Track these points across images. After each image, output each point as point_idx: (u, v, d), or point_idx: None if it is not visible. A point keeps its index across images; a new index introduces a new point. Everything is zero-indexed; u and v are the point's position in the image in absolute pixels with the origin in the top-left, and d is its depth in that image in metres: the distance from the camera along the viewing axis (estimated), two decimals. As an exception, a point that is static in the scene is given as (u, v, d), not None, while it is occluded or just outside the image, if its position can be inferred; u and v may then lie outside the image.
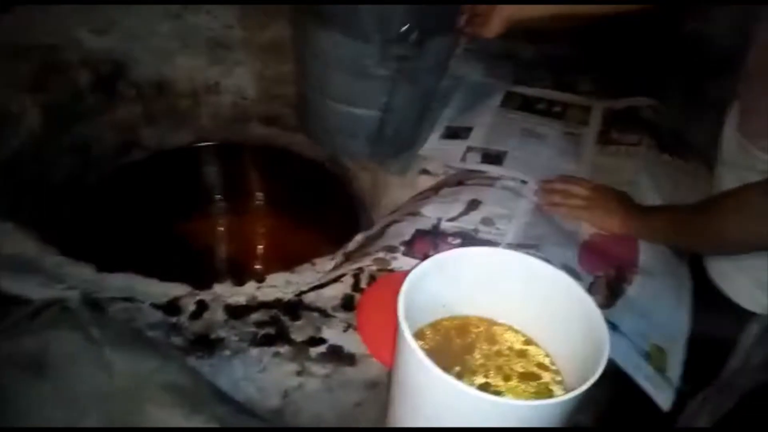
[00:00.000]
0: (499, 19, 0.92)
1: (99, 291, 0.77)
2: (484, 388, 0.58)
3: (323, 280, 0.81)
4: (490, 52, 1.09)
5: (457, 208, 0.89)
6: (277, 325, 0.74)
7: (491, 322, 0.64)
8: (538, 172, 0.96)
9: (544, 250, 0.80)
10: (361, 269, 0.81)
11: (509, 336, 0.63)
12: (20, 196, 1.03)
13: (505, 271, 0.62)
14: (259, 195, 1.28)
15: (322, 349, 0.71)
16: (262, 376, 0.68)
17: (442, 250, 0.80)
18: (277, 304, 0.77)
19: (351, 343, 0.72)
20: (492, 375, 0.59)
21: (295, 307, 0.76)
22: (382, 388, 0.67)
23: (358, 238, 0.91)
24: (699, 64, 1.10)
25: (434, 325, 0.63)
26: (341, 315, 0.76)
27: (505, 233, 0.84)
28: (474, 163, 1.01)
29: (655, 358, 0.73)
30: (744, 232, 0.69)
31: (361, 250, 0.87)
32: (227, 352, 0.70)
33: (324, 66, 0.93)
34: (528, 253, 0.77)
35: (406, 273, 0.61)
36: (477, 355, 0.61)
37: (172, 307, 0.75)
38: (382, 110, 0.93)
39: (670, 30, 1.13)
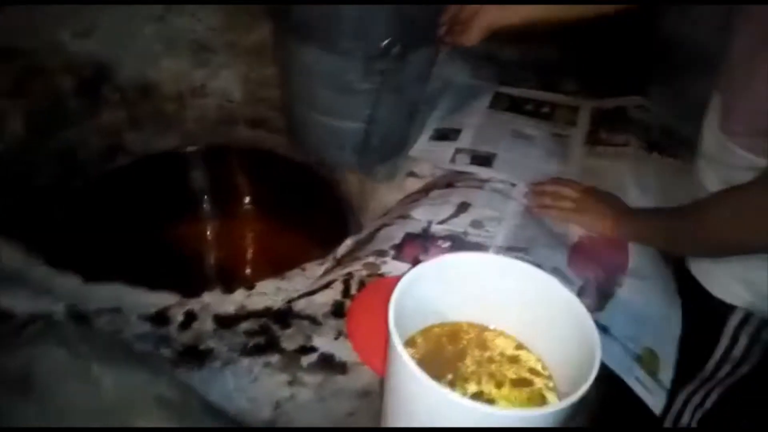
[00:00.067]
0: (478, 27, 0.92)
1: (85, 302, 0.76)
2: (477, 396, 0.58)
3: (313, 287, 0.80)
4: (475, 54, 1.08)
5: (447, 210, 0.89)
6: (267, 334, 0.73)
7: (482, 328, 0.64)
8: (527, 173, 0.96)
9: (534, 253, 0.80)
10: (351, 275, 0.81)
11: (500, 341, 0.63)
12: (4, 203, 1.01)
13: (495, 276, 0.62)
14: (247, 198, 1.27)
15: (313, 358, 0.71)
16: (253, 387, 0.68)
17: (432, 254, 0.82)
18: (266, 312, 0.76)
19: (342, 351, 0.72)
20: (484, 382, 0.59)
21: (285, 316, 0.76)
22: (375, 397, 0.67)
23: (348, 242, 0.91)
24: (682, 61, 1.11)
25: (425, 332, 0.63)
26: (332, 322, 0.75)
27: (494, 236, 0.84)
28: (463, 164, 1.01)
29: (647, 361, 0.73)
30: (734, 234, 0.70)
31: (351, 255, 0.87)
32: (217, 363, 0.70)
33: (307, 81, 0.93)
34: (517, 257, 0.77)
35: (395, 278, 0.61)
36: (469, 361, 0.61)
37: (160, 317, 0.74)
38: (367, 122, 0.93)
39: (650, 29, 1.13)
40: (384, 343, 0.55)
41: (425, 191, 0.96)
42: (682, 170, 0.99)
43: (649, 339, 0.75)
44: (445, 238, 0.84)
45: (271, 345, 0.72)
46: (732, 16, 0.72)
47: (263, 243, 1.28)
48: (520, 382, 0.59)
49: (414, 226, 0.87)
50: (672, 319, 0.81)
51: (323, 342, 0.73)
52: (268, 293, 0.80)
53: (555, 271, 0.77)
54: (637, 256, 0.84)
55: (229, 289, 0.81)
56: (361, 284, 0.80)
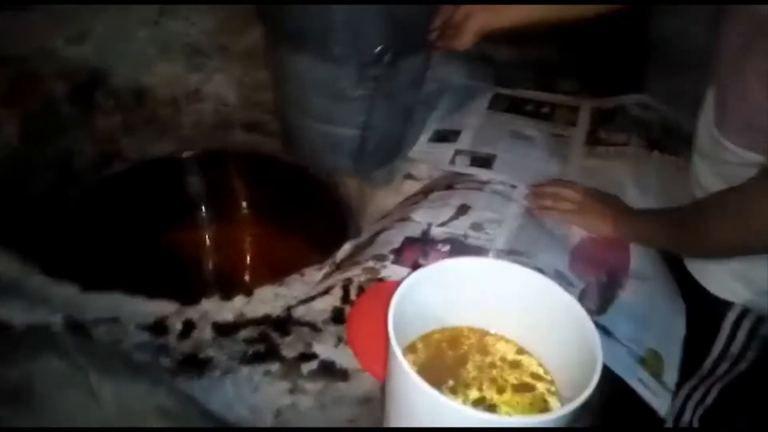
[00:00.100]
0: (470, 31, 0.91)
1: (83, 312, 0.75)
2: (479, 402, 0.58)
3: (312, 293, 0.80)
4: (472, 55, 1.08)
5: (447, 213, 0.88)
6: (266, 342, 0.73)
7: (483, 333, 0.63)
8: (527, 175, 0.95)
9: (535, 256, 0.80)
10: (350, 280, 0.80)
11: (501, 346, 0.63)
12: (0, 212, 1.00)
13: (495, 280, 0.61)
14: (244, 203, 1.27)
15: (313, 365, 0.71)
16: (253, 395, 0.67)
17: (432, 257, 0.81)
18: (266, 320, 0.76)
19: (343, 357, 0.71)
20: (486, 387, 0.59)
21: (284, 323, 0.75)
22: (376, 404, 0.67)
23: (347, 246, 0.91)
24: (679, 58, 1.10)
25: (425, 338, 0.62)
26: (332, 328, 0.75)
27: (494, 238, 0.83)
28: (463, 166, 1.00)
29: (651, 363, 0.73)
30: (734, 236, 0.70)
31: (351, 260, 0.86)
32: (217, 372, 0.69)
33: (301, 88, 0.93)
34: (518, 260, 0.77)
35: (395, 283, 0.60)
36: (470, 367, 0.60)
37: (158, 327, 0.74)
38: (362, 128, 0.94)
39: (646, 27, 1.13)
40: (384, 349, 0.55)
41: (425, 193, 0.96)
42: (682, 168, 0.98)
43: (652, 341, 0.75)
44: (444, 241, 0.84)
45: (271, 353, 0.72)
46: (721, 13, 0.72)
47: (262, 247, 1.27)
48: (522, 387, 0.59)
49: (413, 230, 0.86)
50: (675, 320, 0.81)
51: (323, 349, 0.72)
52: (267, 300, 0.80)
53: (557, 274, 0.77)
54: (638, 257, 0.84)
55: (228, 295, 0.81)
56: (361, 289, 0.80)
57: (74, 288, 0.81)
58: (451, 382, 0.59)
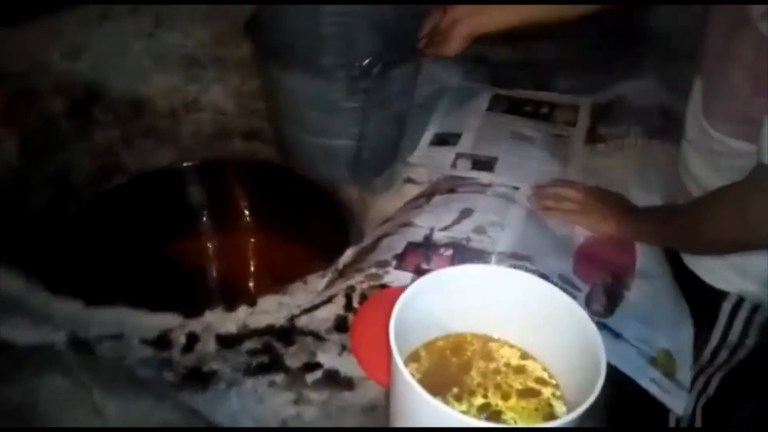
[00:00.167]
0: (459, 36, 0.91)
1: (87, 327, 0.76)
2: (484, 408, 0.57)
3: (315, 302, 0.80)
4: (468, 56, 1.08)
5: (449, 217, 0.88)
6: (270, 352, 0.73)
7: (486, 339, 0.63)
8: (529, 177, 0.95)
9: (538, 259, 0.79)
10: (353, 287, 0.80)
11: (505, 352, 0.62)
12: (1, 229, 1.01)
13: (497, 287, 0.61)
14: (246, 211, 1.27)
15: (317, 374, 0.70)
16: (258, 407, 0.67)
17: (434, 262, 0.81)
18: (269, 330, 0.76)
19: (347, 366, 0.71)
20: (491, 394, 0.58)
21: (287, 333, 0.75)
22: (381, 412, 0.66)
23: (349, 252, 0.90)
24: (673, 47, 1.10)
25: (429, 346, 0.62)
26: (335, 337, 0.75)
27: (497, 242, 0.83)
28: (464, 169, 1.00)
29: (663, 362, 0.72)
30: (734, 233, 0.69)
31: (353, 266, 0.86)
32: (222, 385, 0.69)
33: (293, 103, 0.94)
34: (521, 264, 0.77)
35: (397, 289, 0.60)
36: (474, 373, 0.60)
37: (162, 341, 0.74)
38: (357, 139, 0.94)
39: (640, 18, 1.13)
40: (388, 356, 0.54)
41: (426, 197, 0.96)
42: None
43: (662, 340, 0.75)
44: (447, 245, 0.84)
45: (275, 363, 0.72)
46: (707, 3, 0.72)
47: (264, 255, 1.27)
48: (527, 393, 0.59)
49: (416, 235, 0.86)
50: (683, 318, 0.81)
51: (327, 358, 0.72)
52: (270, 310, 0.80)
53: (561, 278, 0.77)
54: (643, 256, 0.84)
55: (231, 303, 0.81)
56: (364, 297, 0.79)
57: (77, 303, 0.81)
58: (455, 390, 0.59)
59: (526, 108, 1.13)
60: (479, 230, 0.85)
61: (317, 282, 0.85)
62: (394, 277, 0.80)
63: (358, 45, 1.00)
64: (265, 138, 1.18)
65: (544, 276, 0.72)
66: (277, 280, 0.90)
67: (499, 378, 0.60)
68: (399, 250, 0.84)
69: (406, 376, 0.51)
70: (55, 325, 0.76)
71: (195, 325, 0.76)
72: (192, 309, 0.80)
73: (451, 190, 0.94)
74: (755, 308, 0.79)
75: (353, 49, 1.00)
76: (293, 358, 0.72)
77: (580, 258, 0.82)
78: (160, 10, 1.18)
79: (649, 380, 0.70)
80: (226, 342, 0.74)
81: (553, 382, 0.60)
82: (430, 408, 0.50)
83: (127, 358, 0.71)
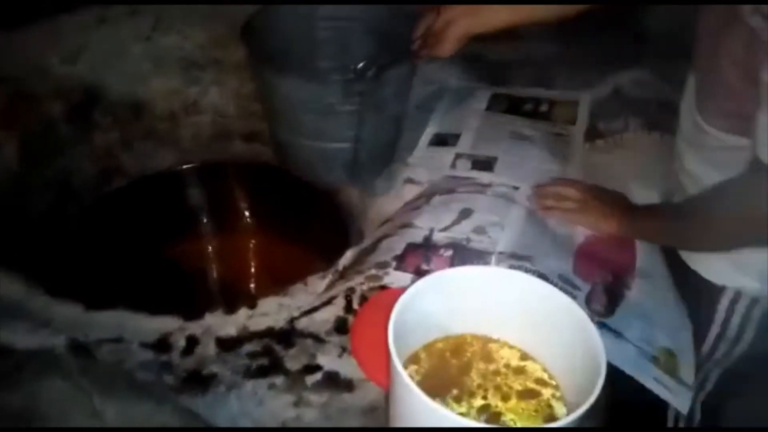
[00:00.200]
0: (452, 38, 0.91)
1: (87, 332, 0.76)
2: (484, 410, 0.57)
3: (315, 304, 0.80)
4: (466, 55, 1.07)
5: (449, 217, 0.88)
6: (270, 355, 0.73)
7: (486, 340, 0.63)
8: (528, 176, 0.95)
9: (538, 259, 0.79)
10: (352, 289, 0.80)
11: (505, 353, 0.62)
12: (1, 234, 1.01)
13: (496, 288, 0.61)
14: (246, 213, 1.27)
15: (317, 377, 0.70)
16: (258, 410, 0.67)
17: (434, 263, 0.81)
18: (269, 332, 0.76)
19: (347, 368, 0.71)
20: (491, 395, 0.58)
21: (287, 335, 0.75)
22: (381, 413, 0.66)
23: (349, 254, 0.90)
24: (669, 40, 1.09)
25: (428, 347, 0.62)
26: (335, 339, 0.75)
27: (497, 242, 0.83)
28: (464, 170, 1.00)
29: (665, 361, 0.72)
30: (735, 229, 0.69)
31: (353, 268, 0.86)
32: (221, 388, 0.69)
33: (289, 108, 0.95)
34: (521, 264, 0.77)
35: (397, 290, 0.60)
36: (474, 375, 0.60)
37: (161, 344, 0.74)
38: (353, 141, 0.94)
39: (631, 22, 1.13)
40: (388, 357, 0.54)
41: (426, 197, 0.95)
42: None
43: (664, 339, 0.75)
44: (447, 246, 0.84)
45: (274, 366, 0.71)
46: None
47: (265, 256, 1.27)
48: (527, 394, 0.58)
49: (415, 236, 0.86)
50: (684, 316, 0.80)
51: (327, 360, 0.72)
52: (270, 312, 0.79)
53: (561, 278, 0.76)
54: (643, 255, 0.83)
55: (232, 305, 0.81)
56: (363, 298, 0.79)
57: (78, 307, 0.81)
58: (455, 391, 0.58)
59: (525, 106, 1.12)
60: (479, 230, 0.85)
61: (317, 284, 0.85)
62: (394, 278, 0.80)
63: (353, 48, 1.01)
64: (265, 140, 1.18)
65: (543, 276, 0.72)
66: (277, 281, 0.90)
67: (498, 379, 0.60)
68: (399, 251, 0.83)
69: (405, 379, 0.50)
70: (55, 329, 0.76)
71: (194, 327, 0.76)
72: (192, 311, 0.80)
73: (451, 191, 0.94)
74: (753, 303, 0.79)
75: (348, 52, 1.00)
76: (293, 361, 0.72)
77: (580, 257, 0.82)
78: (158, 13, 1.18)
79: (652, 379, 0.70)
80: (226, 345, 0.74)
81: (553, 383, 0.60)
82: (429, 410, 0.50)
83: (126, 361, 0.71)
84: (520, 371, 0.60)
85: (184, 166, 1.21)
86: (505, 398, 0.58)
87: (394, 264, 0.82)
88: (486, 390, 0.59)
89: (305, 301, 0.81)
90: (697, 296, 0.82)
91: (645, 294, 0.79)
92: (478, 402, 0.58)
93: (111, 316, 0.79)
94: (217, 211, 1.26)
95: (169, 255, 1.21)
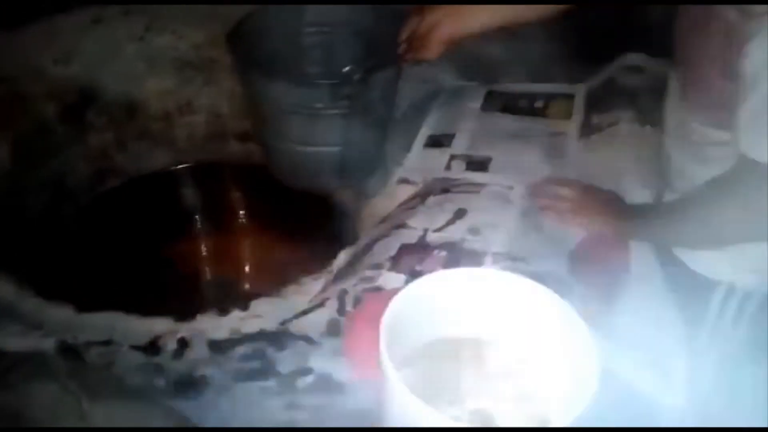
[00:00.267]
0: (438, 40, 0.91)
1: (77, 334, 0.75)
2: (477, 413, 0.57)
3: (308, 306, 0.79)
4: (460, 54, 1.07)
5: (444, 217, 0.87)
6: (262, 358, 0.72)
7: (480, 342, 0.62)
8: (524, 176, 0.94)
9: (533, 261, 0.78)
10: (345, 291, 0.79)
11: (499, 356, 0.61)
12: (-5, 235, 1.00)
13: (490, 290, 0.60)
14: (241, 213, 1.26)
15: (309, 379, 0.69)
16: (250, 413, 0.66)
17: (428, 264, 0.80)
18: (261, 335, 0.75)
19: (339, 370, 0.70)
20: (484, 399, 0.58)
21: (279, 337, 0.74)
22: (373, 417, 0.65)
23: (343, 255, 0.90)
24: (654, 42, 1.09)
25: (422, 350, 0.61)
26: (328, 341, 0.74)
27: (491, 242, 0.82)
28: (459, 171, 0.99)
29: (659, 363, 0.72)
30: (729, 226, 0.69)
31: (347, 269, 0.86)
32: (212, 391, 0.68)
33: (277, 112, 0.95)
34: (516, 265, 0.77)
35: (391, 292, 0.59)
36: (468, 378, 0.59)
37: (152, 347, 0.73)
38: (341, 144, 0.94)
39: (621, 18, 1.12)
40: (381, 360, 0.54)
41: (421, 198, 0.95)
42: None
43: (657, 340, 0.74)
44: (441, 246, 0.83)
45: (266, 369, 0.71)
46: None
47: (259, 256, 1.27)
48: (521, 398, 0.58)
49: (409, 236, 0.85)
50: (678, 317, 0.80)
51: (320, 362, 0.71)
52: (263, 314, 0.79)
53: (556, 279, 0.76)
54: (638, 255, 0.83)
55: (226, 305, 0.80)
56: (357, 300, 0.78)
57: (69, 309, 0.80)
58: (448, 395, 0.58)
59: (520, 104, 1.11)
60: (473, 231, 0.84)
61: (310, 285, 0.84)
62: (388, 279, 0.79)
63: (339, 52, 1.01)
64: (260, 140, 1.17)
65: (538, 276, 0.71)
66: (273, 281, 0.89)
67: (492, 383, 0.59)
68: (393, 252, 0.83)
69: (397, 382, 0.50)
70: (46, 331, 0.75)
71: (186, 329, 0.76)
72: (185, 312, 0.79)
73: (445, 191, 0.93)
74: (746, 297, 0.79)
75: (334, 56, 1.01)
76: (285, 363, 0.71)
77: (575, 258, 0.81)
78: (152, 13, 1.18)
79: (646, 381, 0.69)
80: (218, 347, 0.74)
81: (548, 386, 0.59)
82: (421, 414, 0.49)
83: (116, 364, 0.70)
84: (514, 375, 0.60)
85: (179, 166, 1.21)
86: (499, 402, 0.57)
87: (388, 265, 0.81)
88: (480, 393, 0.58)
89: (298, 303, 0.80)
90: (690, 291, 0.82)
91: (640, 295, 0.79)
92: (472, 405, 0.57)
93: (102, 318, 0.79)
94: (212, 211, 1.25)
95: (163, 255, 1.21)
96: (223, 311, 0.79)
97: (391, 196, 0.99)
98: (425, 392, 0.53)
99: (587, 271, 0.79)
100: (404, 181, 1.00)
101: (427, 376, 0.59)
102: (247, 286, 1.28)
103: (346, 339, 0.74)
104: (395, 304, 0.56)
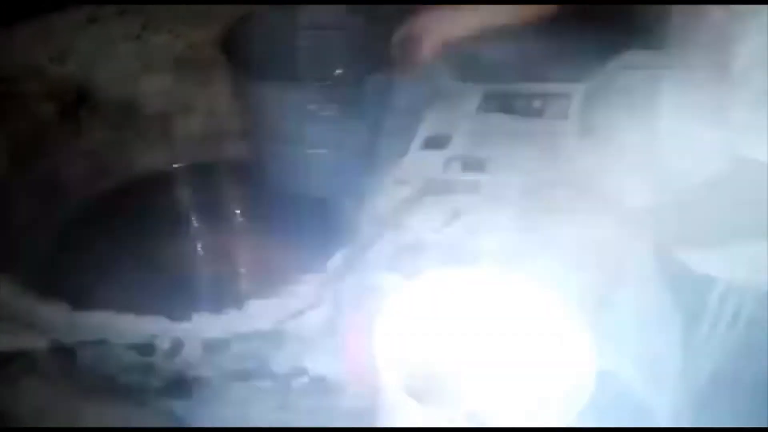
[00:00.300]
0: (430, 44, 0.90)
1: (71, 333, 0.74)
2: (472, 414, 0.56)
3: (304, 306, 0.79)
4: (456, 55, 1.06)
5: (441, 218, 0.87)
6: (257, 357, 0.71)
7: (476, 343, 0.62)
8: (521, 177, 0.93)
9: (529, 262, 0.78)
10: (342, 291, 0.79)
11: (494, 356, 0.61)
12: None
13: (486, 291, 0.60)
14: (237, 212, 1.26)
15: (304, 380, 0.69)
16: (244, 414, 0.66)
17: (425, 264, 0.80)
18: (256, 335, 0.74)
19: (334, 371, 0.70)
20: (479, 401, 0.57)
21: (275, 337, 0.74)
22: (368, 418, 0.65)
23: (339, 256, 0.89)
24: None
25: (417, 351, 0.61)
26: (323, 342, 0.73)
27: (488, 244, 0.82)
28: (456, 172, 0.98)
29: (651, 367, 0.71)
30: (730, 222, 0.69)
31: (344, 269, 0.85)
32: (206, 391, 0.68)
33: (269, 116, 0.96)
34: (512, 267, 0.76)
35: (387, 293, 0.59)
36: (462, 379, 0.59)
37: (146, 346, 0.72)
38: (334, 147, 0.94)
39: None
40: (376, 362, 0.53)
41: (418, 198, 0.95)
42: None
43: (652, 343, 0.74)
44: (438, 247, 0.83)
45: (261, 369, 0.70)
46: None
47: (255, 255, 1.27)
48: (516, 400, 0.57)
49: (406, 237, 0.85)
50: (675, 319, 0.79)
51: (314, 363, 0.71)
52: (259, 313, 0.78)
53: (551, 281, 0.75)
54: (636, 258, 0.82)
55: (221, 305, 0.79)
56: (353, 300, 0.78)
57: (63, 308, 0.80)
58: (443, 396, 0.57)
59: (517, 104, 1.11)
60: (470, 232, 0.84)
61: (307, 285, 0.84)
62: (384, 280, 0.79)
63: (333, 55, 1.02)
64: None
65: (533, 278, 0.71)
66: (268, 282, 0.89)
67: (487, 384, 0.59)
68: (389, 253, 0.82)
69: (392, 384, 0.49)
70: (39, 330, 0.75)
71: (180, 329, 0.75)
72: (180, 312, 0.79)
73: (442, 192, 0.93)
74: (744, 294, 0.78)
75: (327, 59, 1.02)
76: (280, 364, 0.71)
77: (571, 260, 0.81)
78: (148, 12, 1.17)
79: (638, 385, 0.69)
80: (212, 347, 0.73)
81: (542, 388, 0.58)
82: (415, 415, 0.49)
83: (109, 363, 0.70)
84: (509, 376, 0.59)
85: (175, 166, 1.21)
86: (494, 404, 0.57)
87: (384, 265, 0.81)
88: (474, 395, 0.58)
89: (294, 303, 0.80)
90: (687, 289, 0.81)
91: (635, 297, 0.78)
92: (467, 406, 0.57)
93: (95, 317, 0.78)
94: (208, 210, 1.25)
95: (159, 255, 1.20)
96: (218, 311, 0.79)
97: (388, 196, 0.99)
98: (420, 393, 0.53)
99: (584, 273, 0.79)
100: (401, 182, 1.00)
101: (422, 376, 0.59)
102: (242, 285, 1.27)
103: (341, 340, 0.74)
104: (392, 304, 0.56)
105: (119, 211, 1.16)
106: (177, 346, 0.73)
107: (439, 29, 0.89)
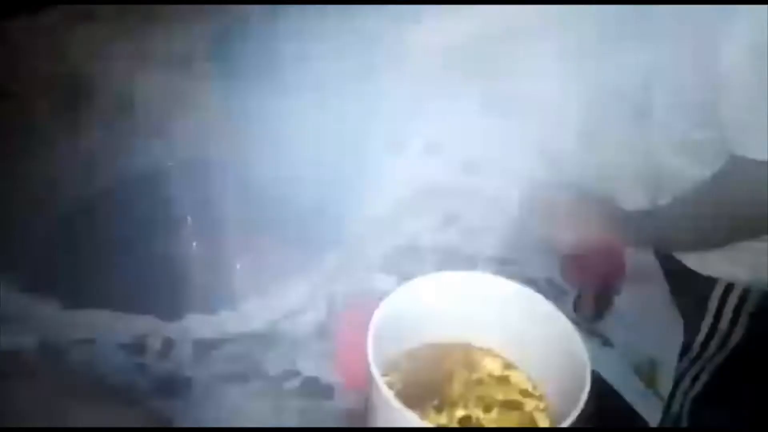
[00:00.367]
0: None
1: (61, 332, 0.73)
2: (465, 421, 0.56)
3: (296, 307, 0.78)
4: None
5: (436, 220, 0.87)
6: (248, 359, 0.71)
7: (469, 347, 0.61)
8: (518, 179, 0.93)
9: (526, 264, 0.78)
10: (334, 292, 0.79)
11: (489, 362, 0.60)
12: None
13: (480, 294, 0.60)
14: (230, 211, 1.25)
15: (296, 382, 0.68)
16: (235, 416, 0.65)
17: (419, 267, 0.79)
18: (248, 336, 0.74)
19: (326, 373, 0.69)
20: (472, 406, 0.57)
21: (267, 339, 0.73)
22: (360, 420, 0.64)
23: (333, 257, 0.89)
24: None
25: (409, 354, 0.60)
26: (315, 344, 0.73)
27: (484, 246, 0.82)
28: (453, 175, 0.98)
29: (648, 372, 0.71)
30: (728, 222, 0.69)
31: (337, 271, 0.85)
32: (197, 393, 0.67)
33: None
34: (508, 269, 0.76)
35: (380, 295, 0.58)
36: (456, 384, 0.58)
37: (137, 346, 0.72)
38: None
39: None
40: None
41: (414, 200, 0.94)
42: None
43: (650, 347, 0.74)
44: (432, 249, 0.83)
45: (252, 371, 0.70)
46: None
47: (249, 256, 1.25)
48: (510, 405, 0.57)
49: (401, 239, 0.85)
50: (675, 326, 0.79)
51: (307, 365, 0.70)
52: (251, 314, 0.78)
53: (549, 283, 0.76)
54: (634, 260, 0.82)
55: (214, 305, 0.79)
56: (346, 302, 0.77)
57: (54, 306, 0.79)
58: (435, 401, 0.57)
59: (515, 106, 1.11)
60: (466, 234, 0.84)
61: (300, 286, 0.83)
62: (378, 282, 0.79)
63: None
64: (253, 138, 1.16)
65: (531, 280, 0.71)
66: (264, 280, 0.88)
67: (481, 389, 0.58)
68: (383, 255, 0.82)
69: (383, 388, 0.49)
70: (30, 328, 0.74)
71: (172, 329, 0.74)
72: (172, 312, 0.78)
73: (438, 195, 0.93)
74: (745, 294, 0.78)
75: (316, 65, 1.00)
76: (272, 365, 0.70)
77: (568, 262, 0.81)
78: (145, 8, 1.16)
79: (632, 391, 0.69)
80: (204, 348, 0.72)
81: (537, 393, 0.58)
82: (407, 421, 0.48)
83: (99, 363, 0.69)
84: (503, 381, 0.59)
85: (171, 164, 1.19)
86: (487, 409, 0.56)
87: (378, 267, 0.81)
88: (468, 400, 0.57)
89: (287, 304, 0.79)
90: (688, 289, 0.81)
91: (635, 300, 0.78)
92: (460, 413, 0.56)
93: (86, 316, 0.77)
94: (204, 210, 1.23)
95: (155, 254, 1.19)
96: (210, 311, 0.78)
97: (383, 199, 0.98)
98: (412, 398, 0.52)
99: (581, 275, 0.79)
100: (397, 183, 1.00)
101: (415, 381, 0.58)
102: (236, 285, 1.26)
103: (334, 341, 0.73)
104: (385, 307, 0.55)
105: (112, 209, 1.14)
106: (168, 346, 0.72)
107: None
